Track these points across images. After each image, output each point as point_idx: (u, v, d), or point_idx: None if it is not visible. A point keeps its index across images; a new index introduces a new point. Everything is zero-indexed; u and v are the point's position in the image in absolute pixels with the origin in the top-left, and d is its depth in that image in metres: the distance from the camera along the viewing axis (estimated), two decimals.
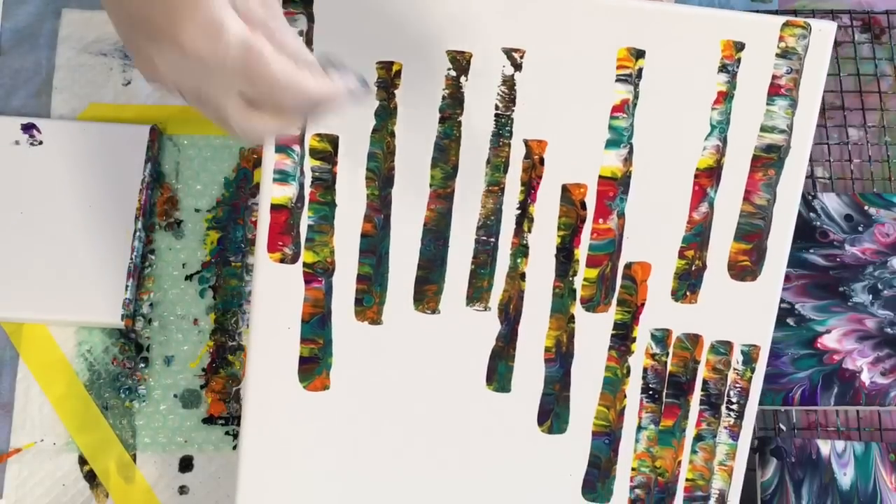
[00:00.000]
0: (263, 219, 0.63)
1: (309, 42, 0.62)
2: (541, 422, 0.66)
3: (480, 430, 0.66)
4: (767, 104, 0.64)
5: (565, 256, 0.65)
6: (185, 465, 0.73)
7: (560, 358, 0.66)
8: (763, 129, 0.64)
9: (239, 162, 0.79)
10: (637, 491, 0.67)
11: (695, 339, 0.66)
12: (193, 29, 0.42)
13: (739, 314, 0.66)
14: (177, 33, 0.42)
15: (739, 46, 0.63)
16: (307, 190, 0.63)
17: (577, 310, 0.65)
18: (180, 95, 0.46)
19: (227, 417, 0.74)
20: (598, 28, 0.63)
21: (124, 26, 0.44)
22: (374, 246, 0.64)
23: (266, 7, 0.45)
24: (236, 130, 0.46)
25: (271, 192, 0.63)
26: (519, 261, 0.65)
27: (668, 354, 0.66)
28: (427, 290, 0.65)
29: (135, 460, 0.73)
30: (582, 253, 0.65)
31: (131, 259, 0.74)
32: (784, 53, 0.64)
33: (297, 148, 0.63)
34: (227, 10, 0.42)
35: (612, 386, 0.66)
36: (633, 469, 0.67)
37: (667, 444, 0.67)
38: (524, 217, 0.65)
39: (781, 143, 0.65)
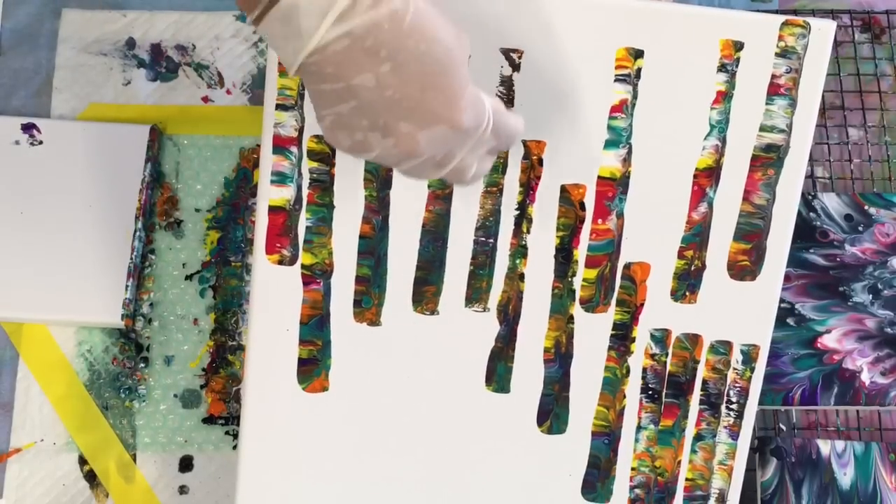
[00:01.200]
0: (261, 221, 0.63)
1: None
2: (540, 422, 0.66)
3: (480, 431, 0.66)
4: (767, 103, 0.64)
5: (564, 257, 0.65)
6: (185, 464, 0.74)
7: (559, 358, 0.66)
8: (762, 128, 0.64)
9: (239, 162, 0.79)
10: (637, 491, 0.67)
11: (694, 339, 0.66)
12: (467, 109, 0.49)
13: (739, 314, 0.66)
14: (453, 114, 0.48)
15: (738, 46, 0.63)
16: (305, 191, 0.63)
17: (577, 310, 0.65)
18: (409, 166, 0.51)
19: (227, 417, 0.74)
20: (596, 28, 0.63)
21: (376, 127, 0.48)
22: (373, 247, 0.64)
23: None
24: (469, 179, 0.54)
25: (269, 194, 0.63)
26: (518, 261, 0.65)
27: (667, 354, 0.66)
28: (426, 292, 0.65)
29: (135, 460, 0.73)
30: (581, 253, 0.65)
31: (131, 259, 0.74)
32: (783, 53, 0.63)
33: (294, 149, 0.63)
34: (475, 86, 0.50)
35: (612, 386, 0.66)
36: (632, 469, 0.67)
37: (666, 444, 0.67)
38: (523, 218, 0.65)
39: (781, 143, 0.64)
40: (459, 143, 0.50)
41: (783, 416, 0.76)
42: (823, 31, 0.63)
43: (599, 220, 0.65)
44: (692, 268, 0.65)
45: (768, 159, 0.65)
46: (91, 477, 0.73)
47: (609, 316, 0.66)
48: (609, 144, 0.64)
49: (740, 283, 0.66)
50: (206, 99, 0.80)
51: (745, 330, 0.66)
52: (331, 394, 0.65)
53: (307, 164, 0.63)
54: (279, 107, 0.62)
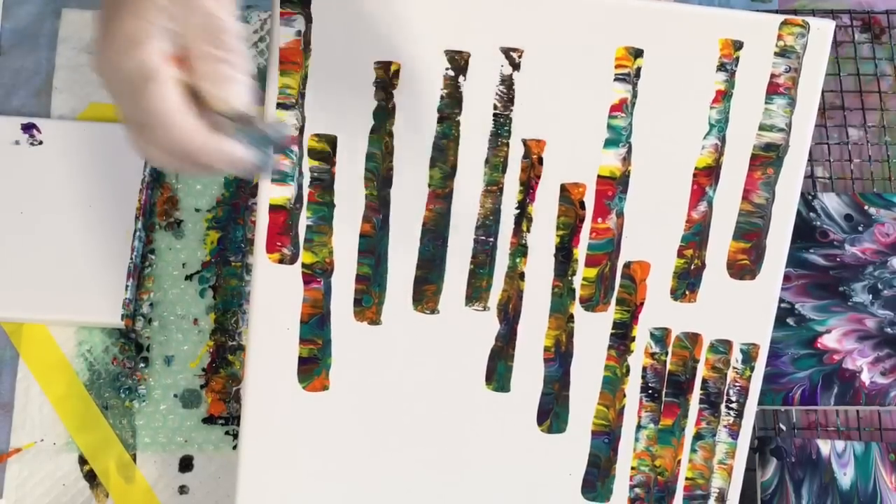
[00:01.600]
0: (262, 219, 0.63)
1: (307, 43, 0.62)
2: (540, 421, 0.66)
3: (480, 430, 0.66)
4: (766, 103, 0.64)
5: (564, 256, 0.65)
6: (185, 464, 0.74)
7: (559, 357, 0.66)
8: (762, 127, 0.64)
9: None
10: (637, 490, 0.67)
11: (694, 338, 0.66)
12: (118, 31, 0.42)
13: (738, 313, 0.66)
14: (108, 29, 0.42)
15: (738, 45, 0.63)
16: (306, 190, 0.63)
17: (577, 309, 0.65)
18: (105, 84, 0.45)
19: (227, 417, 0.74)
20: (596, 27, 0.63)
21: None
22: (373, 246, 0.64)
23: (214, 45, 0.44)
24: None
25: (269, 193, 0.63)
26: (518, 260, 0.65)
27: (667, 353, 0.66)
28: (426, 290, 0.65)
29: (135, 460, 0.73)
30: (581, 252, 0.65)
31: (131, 259, 0.74)
32: (783, 52, 0.64)
33: (295, 148, 0.63)
34: (155, 33, 0.42)
35: (612, 385, 0.66)
36: (632, 468, 0.67)
37: (666, 443, 0.67)
38: (523, 217, 0.65)
39: (780, 142, 0.64)
40: (114, 82, 0.43)
41: (783, 416, 0.76)
42: (822, 31, 0.64)
43: (599, 219, 0.65)
44: (692, 267, 0.65)
45: (768, 158, 0.65)
46: (91, 477, 0.73)
47: (609, 315, 0.66)
48: (609, 143, 0.64)
49: (740, 282, 0.66)
50: None
51: (745, 329, 0.66)
52: (331, 393, 0.65)
53: (308, 163, 0.63)
54: (279, 106, 0.62)
